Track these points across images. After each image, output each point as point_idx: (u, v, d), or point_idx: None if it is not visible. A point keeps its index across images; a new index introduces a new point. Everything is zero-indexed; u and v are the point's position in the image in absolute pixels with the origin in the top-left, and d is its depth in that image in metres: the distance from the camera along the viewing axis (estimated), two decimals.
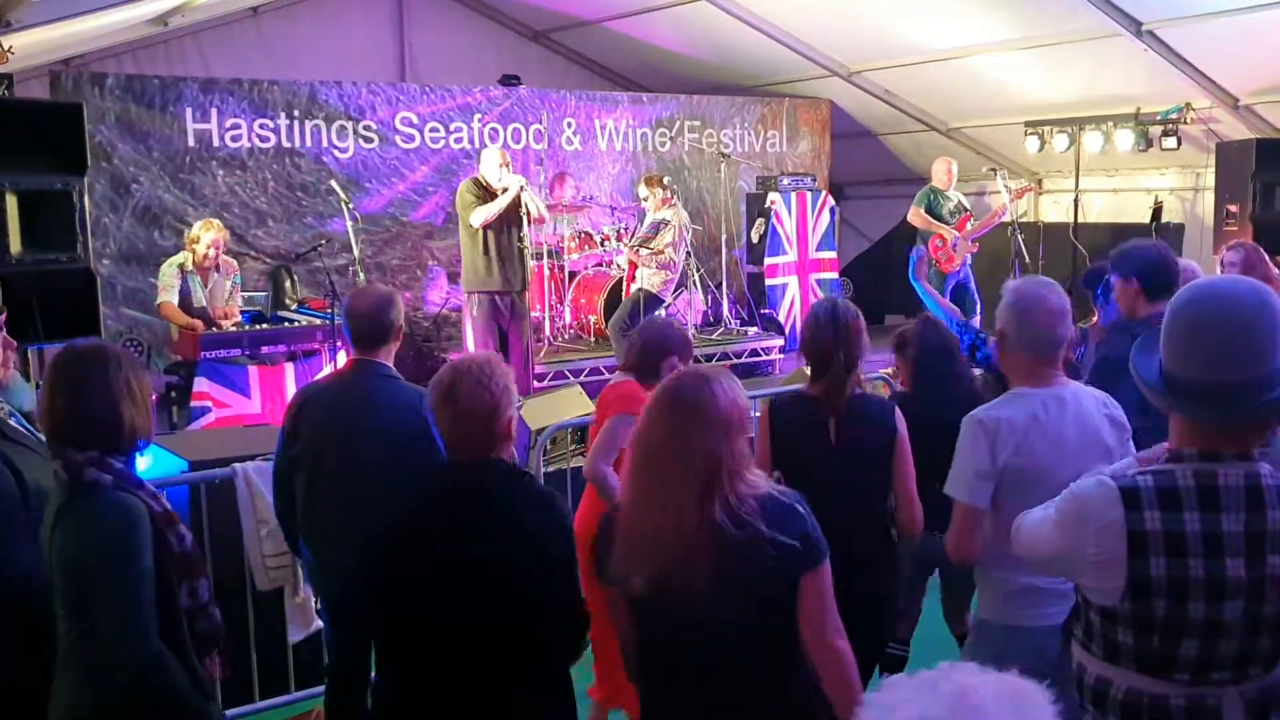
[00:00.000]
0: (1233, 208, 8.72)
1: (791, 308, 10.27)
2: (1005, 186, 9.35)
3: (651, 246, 8.09)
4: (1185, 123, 9.32)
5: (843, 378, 3.40)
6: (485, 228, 7.11)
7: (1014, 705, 1.04)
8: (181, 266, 6.89)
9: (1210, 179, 9.36)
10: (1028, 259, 8.97)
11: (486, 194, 7.19)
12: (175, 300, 6.84)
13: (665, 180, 8.47)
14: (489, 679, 2.49)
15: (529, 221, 7.20)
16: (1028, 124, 10.24)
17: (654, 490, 2.35)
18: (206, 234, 6.90)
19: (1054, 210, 10.70)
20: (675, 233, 8.12)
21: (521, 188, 7.08)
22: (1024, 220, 9.95)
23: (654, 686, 2.52)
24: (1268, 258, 5.08)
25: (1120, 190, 10.92)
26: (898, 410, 3.51)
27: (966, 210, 9.02)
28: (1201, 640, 2.07)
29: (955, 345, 4.36)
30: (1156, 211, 10.15)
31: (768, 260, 10.19)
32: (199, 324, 6.83)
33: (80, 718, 2.50)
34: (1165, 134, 9.36)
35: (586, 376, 8.66)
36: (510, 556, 2.48)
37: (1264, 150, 8.72)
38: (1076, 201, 9.93)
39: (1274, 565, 2.06)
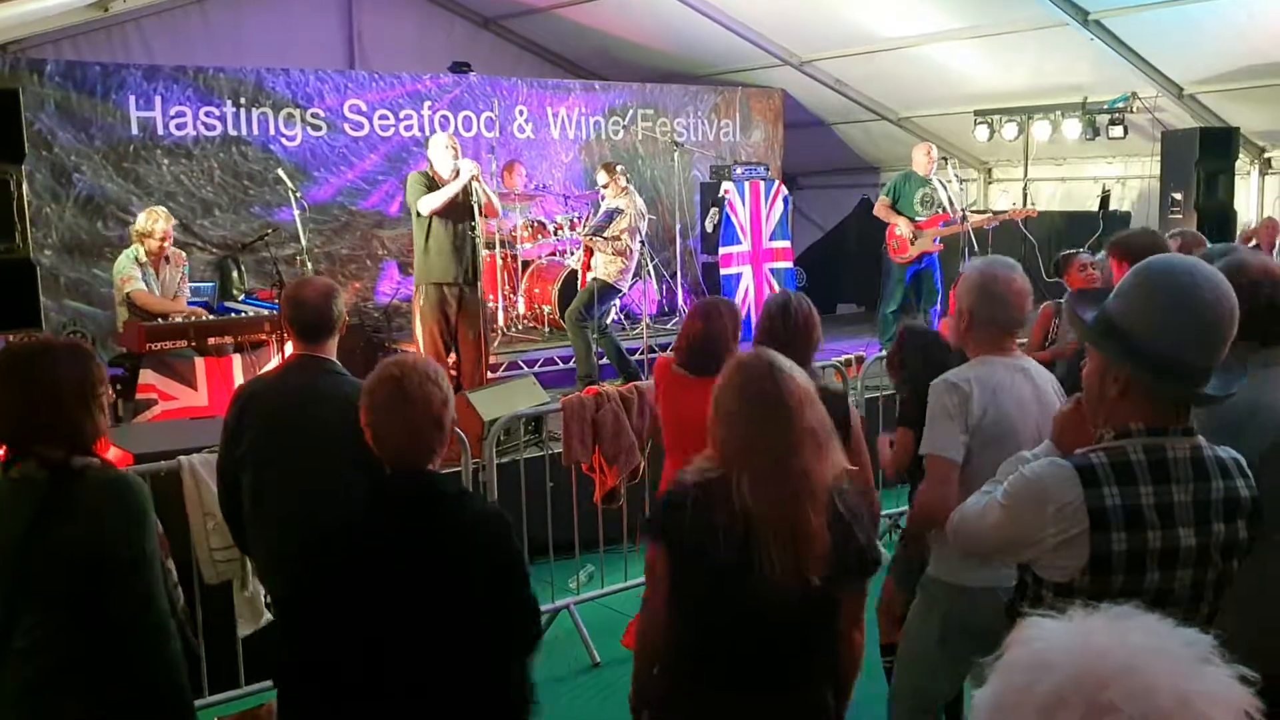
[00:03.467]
0: (1177, 195, 8.88)
1: (746, 297, 10.28)
2: (956, 176, 9.41)
3: (606, 234, 8.05)
4: (1131, 112, 9.45)
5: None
6: (435, 216, 7.00)
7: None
8: (136, 259, 6.75)
9: (1156, 167, 9.51)
10: (977, 247, 9.03)
11: (434, 184, 7.10)
12: (145, 289, 6.72)
13: (619, 168, 8.42)
14: (434, 691, 2.44)
15: (481, 211, 7.12)
16: (977, 113, 10.33)
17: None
18: (157, 224, 6.76)
19: (1004, 199, 10.80)
20: (630, 221, 8.08)
21: (473, 176, 6.99)
22: (974, 209, 10.03)
23: (710, 668, 2.53)
24: (1206, 244, 5.15)
25: (1068, 179, 11.06)
26: (851, 404, 3.55)
27: (944, 209, 8.92)
28: (1152, 609, 2.09)
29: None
30: (1104, 200, 10.30)
31: (722, 250, 10.18)
32: (175, 306, 6.72)
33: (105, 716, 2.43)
34: (1112, 123, 9.49)
35: (541, 367, 8.62)
36: (459, 572, 2.43)
37: (1207, 139, 8.89)
38: (1025, 190, 10.02)
39: (1218, 532, 2.16)
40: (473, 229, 7.07)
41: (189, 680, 2.60)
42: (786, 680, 2.54)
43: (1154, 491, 2.12)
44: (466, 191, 6.97)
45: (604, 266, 8.11)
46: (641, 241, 8.31)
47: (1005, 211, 9.25)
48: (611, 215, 8.15)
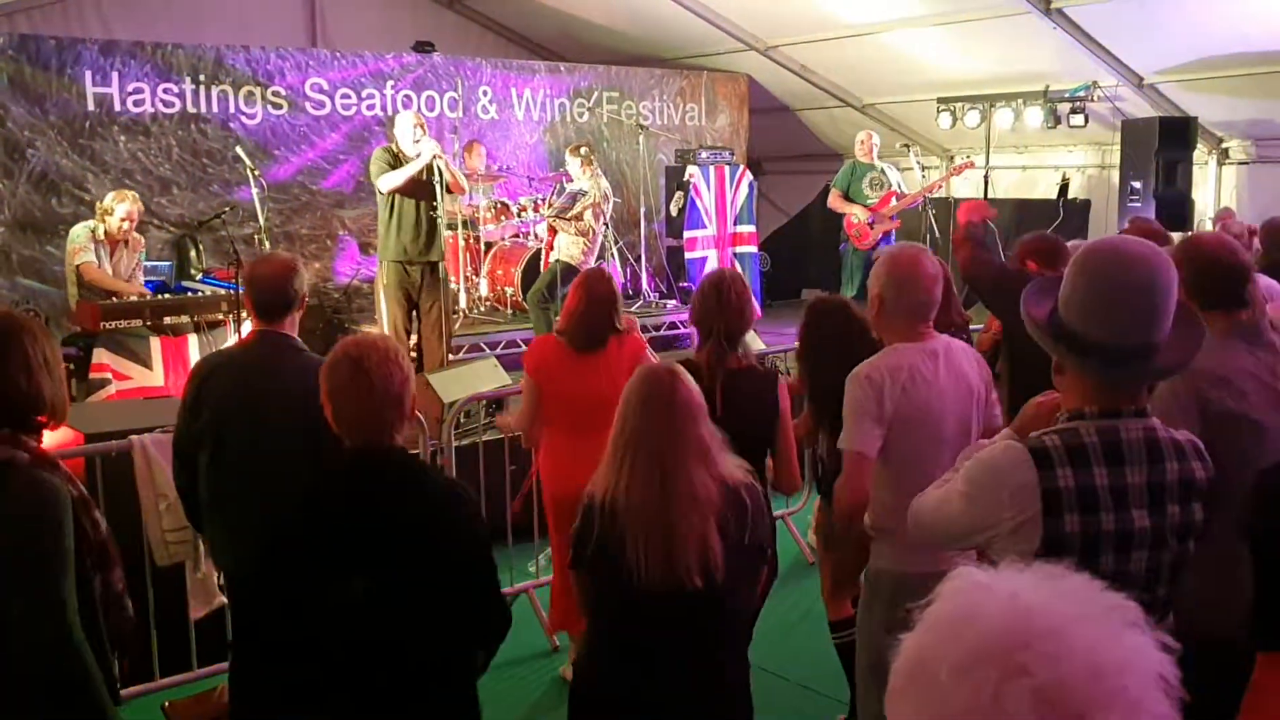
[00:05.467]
0: (1137, 184, 8.97)
1: None
2: (918, 163, 9.46)
3: (569, 215, 8.02)
4: (1092, 101, 9.51)
5: (723, 348, 3.47)
6: (399, 195, 6.96)
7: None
8: (93, 234, 6.62)
9: (1116, 156, 9.59)
10: (939, 235, 9.09)
11: (399, 161, 7.05)
12: (95, 263, 6.61)
13: (584, 150, 8.39)
14: (397, 670, 2.43)
15: (445, 191, 7.07)
16: (940, 100, 10.36)
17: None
18: (121, 205, 6.63)
19: (965, 187, 10.86)
20: (594, 202, 8.05)
21: (436, 155, 6.94)
22: (936, 197, 10.08)
23: (630, 665, 2.61)
24: (1163, 232, 5.21)
25: (1029, 167, 11.13)
26: (781, 383, 3.63)
27: (890, 186, 9.03)
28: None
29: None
30: (1063, 188, 10.37)
31: (687, 234, 10.18)
32: (126, 287, 6.64)
33: None
34: (1073, 112, 9.54)
35: (503, 349, 8.58)
36: (421, 550, 2.41)
37: (1166, 129, 8.97)
38: (987, 178, 10.07)
39: (1172, 514, 2.16)
40: (434, 209, 7.02)
41: (97, 694, 2.42)
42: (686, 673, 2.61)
43: (1108, 473, 2.13)
44: (430, 171, 6.92)
45: (567, 248, 8.09)
46: (605, 224, 8.29)
47: (936, 181, 9.28)
48: (575, 197, 8.13)
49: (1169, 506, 2.16)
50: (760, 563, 2.69)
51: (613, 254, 9.22)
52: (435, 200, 6.98)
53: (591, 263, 8.23)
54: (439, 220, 7.07)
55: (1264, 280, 4.42)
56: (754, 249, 10.74)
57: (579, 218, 8.02)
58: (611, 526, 2.51)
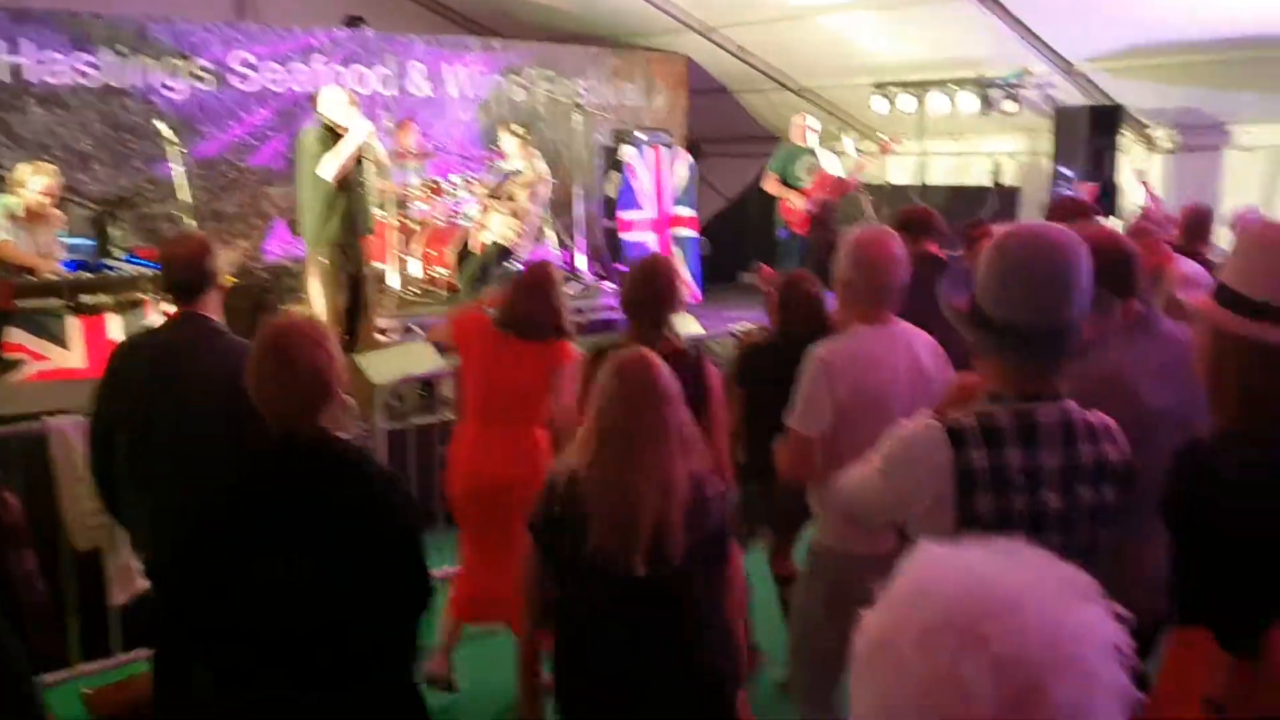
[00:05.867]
0: (1068, 171, 9.10)
1: None
2: (856, 149, 9.51)
3: (501, 195, 7.92)
4: (1024, 87, 9.61)
5: (651, 332, 3.46)
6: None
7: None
8: (11, 213, 6.38)
9: (1047, 143, 9.72)
10: (874, 218, 9.14)
11: (334, 139, 6.86)
12: (11, 241, 6.37)
13: (518, 129, 8.29)
14: (338, 650, 2.38)
15: (374, 170, 6.94)
16: (875, 85, 10.41)
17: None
18: (38, 178, 6.38)
19: (900, 172, 10.94)
20: (529, 182, 7.96)
21: (370, 133, 6.81)
22: (873, 182, 10.14)
23: (590, 653, 2.62)
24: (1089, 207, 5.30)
25: (963, 153, 11.23)
26: (709, 365, 3.65)
27: (821, 169, 9.12)
28: None
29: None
30: (996, 174, 10.49)
31: (623, 215, 10.12)
32: (43, 264, 6.40)
33: None
34: (1006, 98, 9.65)
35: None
36: (357, 530, 2.36)
37: (1097, 116, 9.11)
38: (921, 163, 10.15)
39: (1085, 496, 2.21)
40: (362, 184, 6.89)
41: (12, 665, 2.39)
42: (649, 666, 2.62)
43: (1022, 455, 2.16)
44: (360, 150, 6.79)
45: (500, 228, 7.99)
46: (542, 203, 8.21)
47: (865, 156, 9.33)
48: (509, 176, 8.03)
49: (1082, 488, 2.20)
50: (721, 550, 2.69)
51: (548, 234, 9.13)
52: (363, 177, 6.85)
53: (527, 245, 8.15)
54: (369, 199, 6.94)
55: (1185, 265, 4.52)
56: (693, 233, 10.71)
57: (513, 198, 7.92)
58: (577, 508, 2.52)
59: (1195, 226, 5.80)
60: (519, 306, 4.06)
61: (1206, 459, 2.39)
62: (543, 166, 8.30)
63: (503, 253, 7.92)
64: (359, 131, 6.72)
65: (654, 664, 2.60)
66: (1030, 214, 9.78)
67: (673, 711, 2.63)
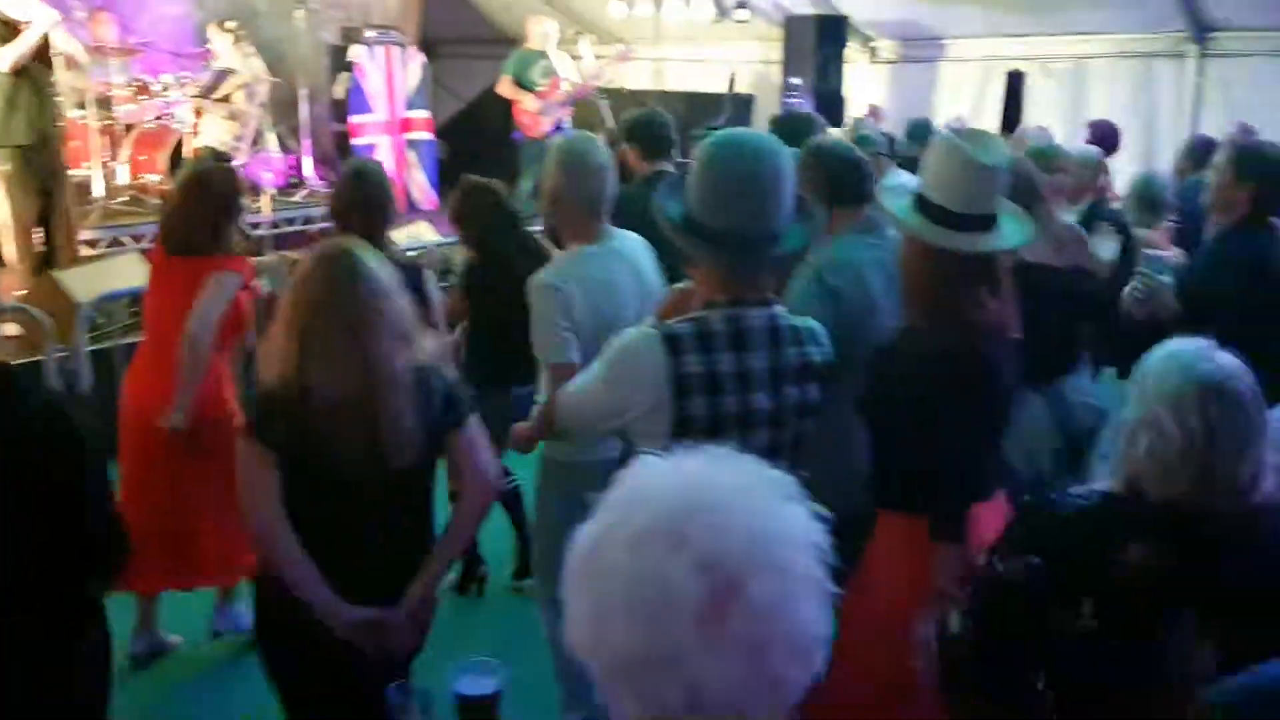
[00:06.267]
0: (796, 80, 9.35)
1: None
2: (592, 52, 9.41)
3: (215, 96, 7.36)
4: None
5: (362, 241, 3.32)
6: (13, 71, 6.07)
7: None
8: None
9: (779, 52, 9.94)
10: (612, 123, 9.11)
11: (8, 31, 6.12)
12: None
13: (230, 25, 7.68)
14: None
15: (64, 65, 6.25)
16: None
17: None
18: None
19: (638, 78, 10.95)
20: (243, 83, 7.43)
21: (54, 23, 6.11)
22: (611, 86, 10.09)
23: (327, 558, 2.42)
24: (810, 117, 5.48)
25: (699, 60, 11.35)
26: (429, 275, 3.58)
27: (557, 73, 8.99)
28: None
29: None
30: (731, 82, 10.67)
31: (353, 119, 9.64)
32: None
33: None
34: (739, 5, 9.78)
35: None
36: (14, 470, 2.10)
37: (824, 26, 9.38)
38: (659, 69, 10.18)
39: (791, 395, 2.31)
40: (53, 83, 6.21)
41: None
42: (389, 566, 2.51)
43: (733, 359, 2.24)
44: (46, 42, 6.09)
45: (215, 132, 7.45)
46: (261, 105, 7.69)
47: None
48: (222, 76, 7.46)
49: (788, 388, 2.30)
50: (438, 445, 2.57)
51: (268, 138, 8.58)
52: (52, 74, 6.17)
53: (246, 149, 7.64)
54: (59, 98, 6.26)
55: (903, 175, 4.74)
56: (429, 136, 10.36)
57: (227, 99, 7.38)
58: (304, 413, 2.34)
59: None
60: (165, 219, 3.77)
61: (886, 354, 2.56)
62: (259, 65, 7.75)
63: (219, 158, 7.37)
64: (41, 21, 6.03)
65: (393, 562, 2.51)
66: (762, 122, 10.02)
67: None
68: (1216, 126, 7.54)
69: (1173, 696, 1.61)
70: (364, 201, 3.40)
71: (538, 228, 4.63)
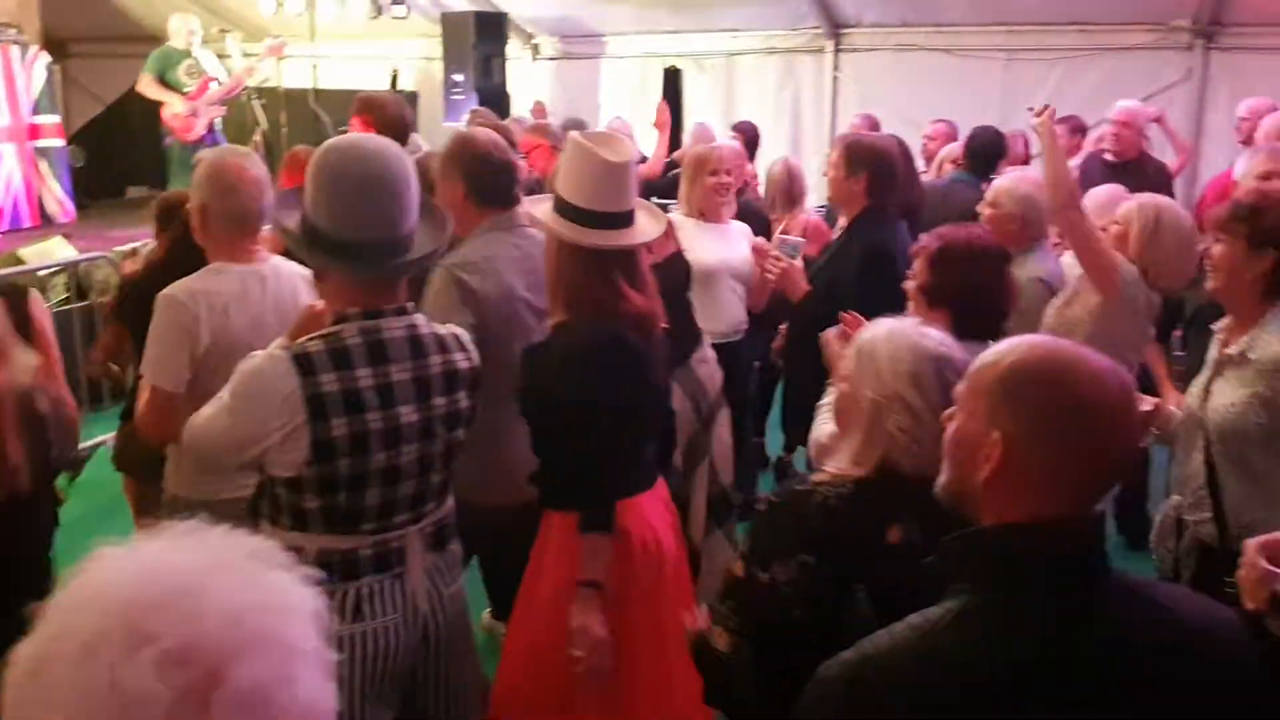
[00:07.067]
0: (458, 77, 9.28)
1: (9, 181, 8.88)
2: (241, 50, 8.94)
3: None
4: None
5: None
6: None
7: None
8: None
9: (439, 49, 9.82)
10: (265, 124, 8.70)
11: None
12: None
13: None
14: None
15: None
16: None
17: None
18: None
19: (294, 76, 10.49)
20: None
21: None
22: (265, 86, 9.62)
23: None
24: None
25: (359, 56, 11.05)
26: (35, 296, 3.20)
27: (205, 73, 8.46)
28: (383, 488, 2.20)
29: None
30: (393, 80, 10.46)
31: None
32: None
33: None
34: (395, 2, 9.57)
35: None
36: None
37: (481, 23, 9.35)
38: (315, 67, 9.79)
39: (439, 405, 2.26)
40: None
41: None
42: None
43: (372, 373, 2.15)
44: None
45: None
46: None
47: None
48: None
49: (435, 399, 2.25)
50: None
51: None
52: None
53: None
54: None
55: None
56: (60, 142, 9.45)
57: None
58: None
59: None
60: None
61: (543, 350, 2.59)
62: None
63: None
64: None
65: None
66: (431, 119, 9.85)
67: None
68: (852, 118, 8.13)
69: None
70: None
71: None
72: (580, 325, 2.53)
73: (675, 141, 8.19)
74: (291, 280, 2.95)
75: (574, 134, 2.58)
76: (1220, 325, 2.76)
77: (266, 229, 2.81)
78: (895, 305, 3.23)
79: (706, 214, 4.41)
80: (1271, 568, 1.58)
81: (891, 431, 1.83)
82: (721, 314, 4.28)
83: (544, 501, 2.65)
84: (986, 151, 5.34)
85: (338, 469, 2.12)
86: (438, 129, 8.52)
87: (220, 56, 8.95)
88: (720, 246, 4.33)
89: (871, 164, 3.81)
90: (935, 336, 1.90)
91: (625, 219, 2.55)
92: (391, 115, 4.85)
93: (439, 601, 2.37)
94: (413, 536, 2.28)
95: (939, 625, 1.28)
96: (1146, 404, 2.82)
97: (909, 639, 1.28)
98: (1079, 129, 6.64)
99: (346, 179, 2.11)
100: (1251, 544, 1.64)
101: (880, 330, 1.94)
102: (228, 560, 0.88)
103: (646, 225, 2.61)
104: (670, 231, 3.87)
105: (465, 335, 2.40)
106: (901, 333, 1.91)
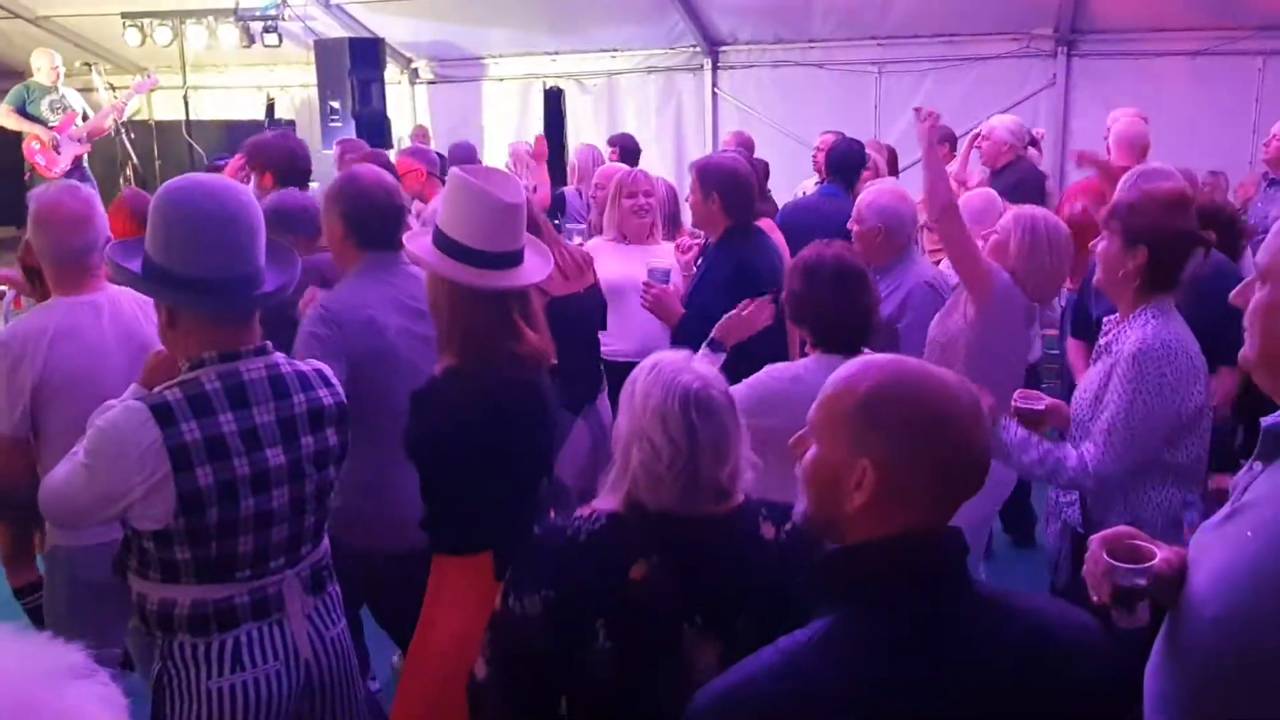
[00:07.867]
0: (335, 104, 9.13)
1: None
2: (108, 84, 8.67)
3: None
4: (284, 20, 9.42)
5: None
6: None
7: None
8: None
9: (314, 76, 9.64)
10: (136, 159, 8.44)
11: None
12: None
13: None
14: None
15: None
16: (125, 15, 9.50)
17: None
18: None
19: (166, 109, 10.21)
20: None
21: None
22: (136, 119, 9.34)
23: None
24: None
25: (232, 87, 10.81)
26: None
27: (70, 108, 8.18)
28: (256, 533, 2.13)
29: None
30: (269, 108, 10.25)
31: None
32: None
33: None
34: (266, 30, 9.38)
35: None
36: None
37: (356, 49, 9.21)
38: (186, 99, 9.53)
39: (307, 445, 2.20)
40: None
41: None
42: None
43: (235, 418, 2.09)
44: None
45: None
46: None
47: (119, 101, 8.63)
48: None
49: (302, 438, 2.20)
50: None
51: None
52: None
53: None
54: None
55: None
56: None
57: None
58: None
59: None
60: None
61: (432, 395, 2.47)
62: None
63: None
64: None
65: None
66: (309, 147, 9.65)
67: None
68: (732, 132, 8.22)
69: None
70: None
71: None
72: (469, 369, 2.43)
73: (560, 164, 8.19)
74: (132, 307, 2.87)
75: (459, 172, 2.43)
76: (1109, 318, 2.85)
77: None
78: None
79: (629, 236, 4.40)
80: (1114, 562, 1.63)
81: (634, 466, 1.81)
82: (633, 331, 4.16)
83: (434, 548, 2.57)
84: (845, 164, 5.46)
85: (207, 519, 2.06)
86: (315, 156, 8.35)
87: (85, 91, 8.66)
88: (634, 266, 4.22)
89: (720, 184, 3.82)
90: (698, 372, 1.84)
91: (517, 258, 2.46)
92: (288, 165, 4.68)
93: (321, 645, 2.30)
94: (290, 580, 2.22)
95: (803, 647, 1.29)
96: (1041, 402, 2.91)
97: (774, 663, 1.29)
98: (948, 138, 6.80)
99: (194, 216, 2.06)
100: (1095, 539, 1.70)
101: (648, 364, 1.89)
102: (41, 669, 0.82)
103: (537, 263, 2.53)
104: (589, 262, 3.85)
105: (328, 370, 2.33)
106: (664, 368, 1.85)
